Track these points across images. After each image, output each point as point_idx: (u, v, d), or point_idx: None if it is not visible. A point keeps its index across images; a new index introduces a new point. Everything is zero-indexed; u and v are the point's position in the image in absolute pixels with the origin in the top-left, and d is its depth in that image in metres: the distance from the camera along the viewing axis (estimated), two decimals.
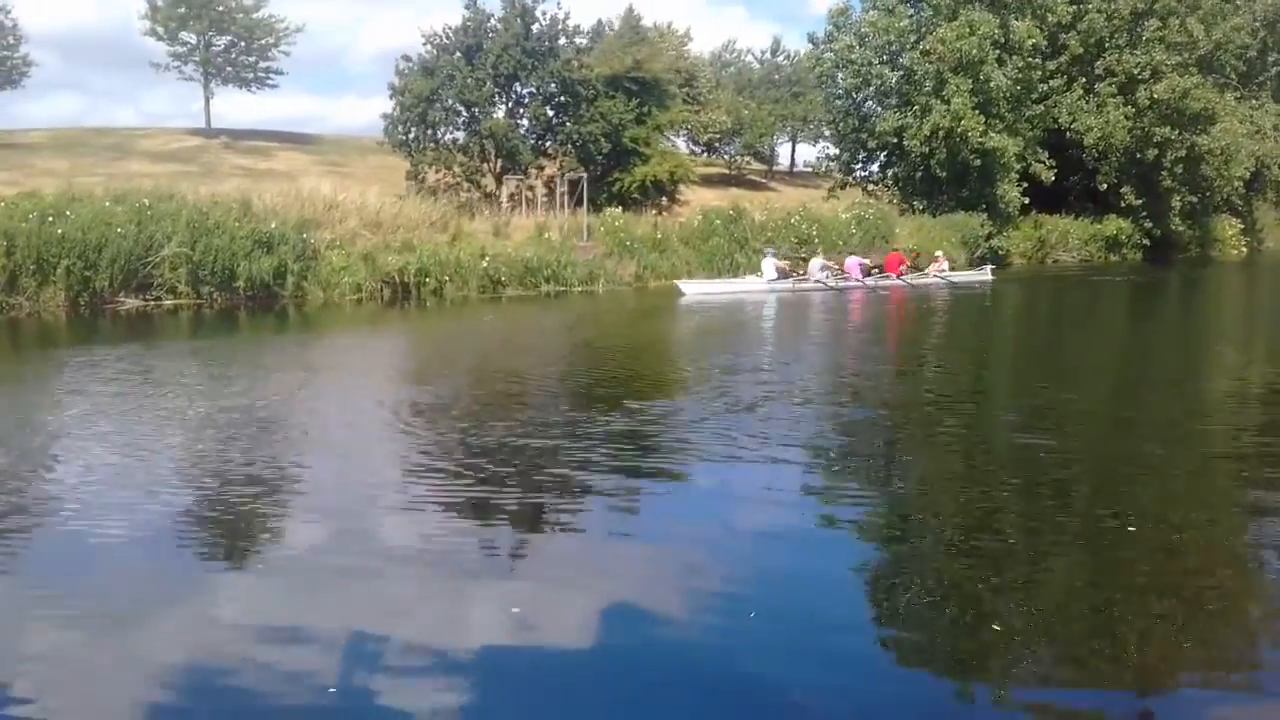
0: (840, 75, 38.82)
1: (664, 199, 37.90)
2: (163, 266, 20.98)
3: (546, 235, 27.52)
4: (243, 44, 45.12)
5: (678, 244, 29.39)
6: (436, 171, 33.79)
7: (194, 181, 28.98)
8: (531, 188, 33.47)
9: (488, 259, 25.21)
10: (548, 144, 35.28)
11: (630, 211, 33.05)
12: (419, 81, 33.25)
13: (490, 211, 31.16)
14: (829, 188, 41.95)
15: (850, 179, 41.69)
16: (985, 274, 29.83)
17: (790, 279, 26.24)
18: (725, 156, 60.23)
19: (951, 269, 30.06)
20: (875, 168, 41.55)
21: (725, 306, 22.87)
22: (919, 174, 38.30)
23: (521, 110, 34.79)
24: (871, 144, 39.05)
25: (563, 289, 25.85)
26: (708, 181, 52.08)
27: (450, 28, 34.12)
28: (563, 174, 34.29)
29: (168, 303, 21.03)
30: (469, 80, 32.87)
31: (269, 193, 24.90)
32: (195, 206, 22.01)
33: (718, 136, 57.30)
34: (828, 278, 26.56)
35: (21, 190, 23.40)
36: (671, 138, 52.09)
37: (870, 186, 41.14)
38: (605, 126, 35.34)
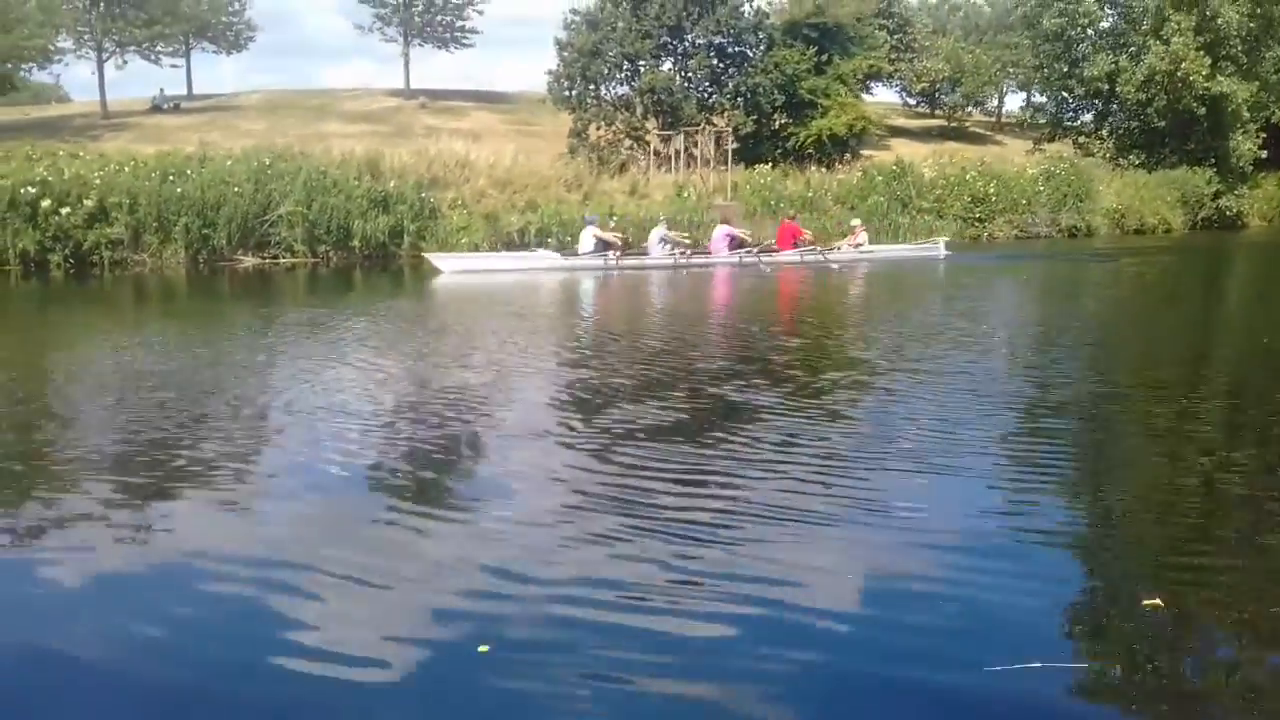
0: (1045, 15, 35.13)
1: (846, 154, 35.67)
2: (279, 225, 21.38)
3: (685, 194, 26.40)
4: (439, 3, 45.88)
5: (831, 203, 27.55)
6: (598, 128, 33.15)
7: (383, 141, 29.64)
8: (698, 143, 32.28)
9: (614, 219, 24.41)
10: (714, 98, 33.83)
11: (805, 167, 31.40)
12: (582, 35, 32.64)
13: (648, 168, 30.33)
14: (1034, 140, 38.37)
15: (1059, 131, 37.92)
16: (938, 249, 23.38)
17: (612, 254, 20.20)
18: (944, 108, 56.46)
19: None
20: (1089, 118, 37.57)
21: (498, 288, 17.60)
22: (1135, 125, 34.32)
23: (687, 63, 33.49)
24: (1079, 91, 35.25)
25: None
26: (925, 135, 49.15)
27: None
28: (732, 129, 32.94)
29: (284, 261, 21.41)
30: (630, 32, 31.93)
31: (403, 151, 25.01)
32: (314, 166, 22.26)
33: (935, 86, 53.73)
34: (671, 252, 20.89)
35: (166, 147, 24.51)
36: (875, 87, 49.43)
37: (1081, 139, 37.23)
38: (778, 77, 33.57)
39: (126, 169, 20.91)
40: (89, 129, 37.64)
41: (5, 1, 33.22)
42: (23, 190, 19.21)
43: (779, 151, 34.49)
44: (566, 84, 33.32)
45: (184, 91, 50.13)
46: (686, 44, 33.58)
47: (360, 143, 27.67)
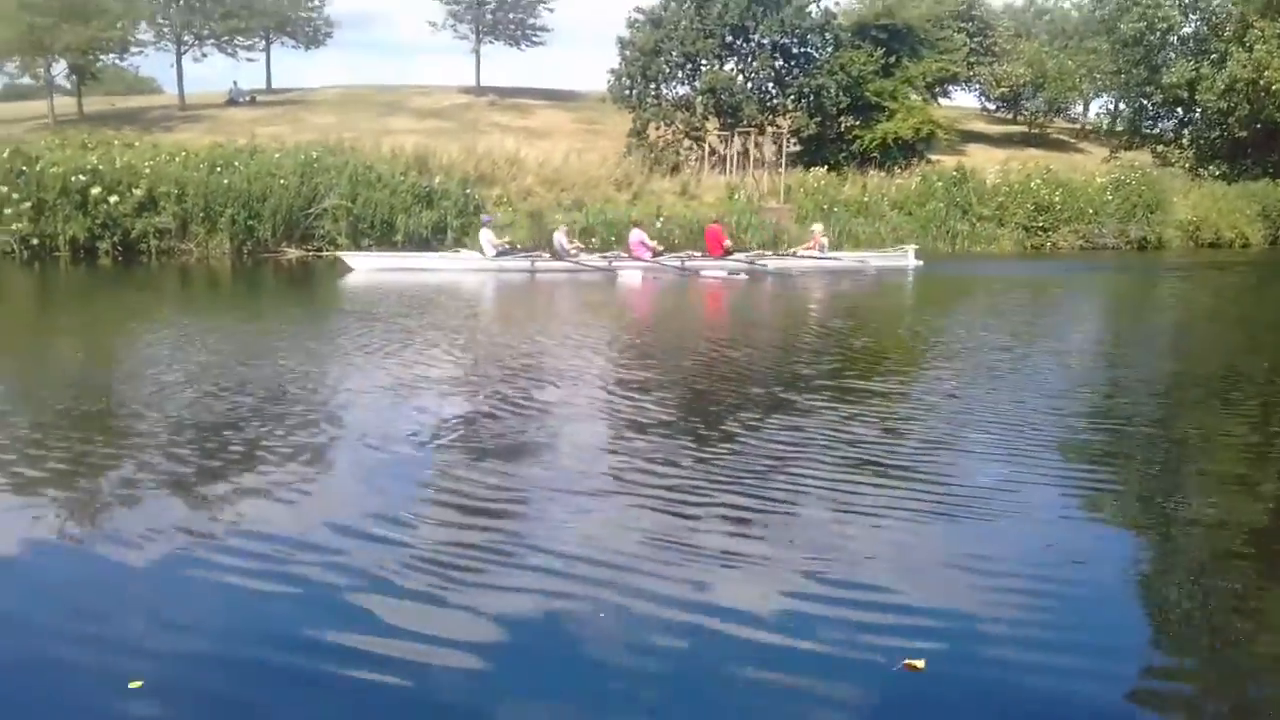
0: (1124, 20, 33.94)
1: (913, 159, 34.84)
2: (324, 218, 21.54)
3: (737, 196, 26.03)
4: (510, 1, 46.09)
5: (888, 208, 26.92)
6: (656, 128, 32.89)
7: (448, 138, 29.68)
8: (758, 144, 31.82)
9: (662, 219, 24.18)
10: (775, 98, 33.33)
11: (866, 171, 30.80)
12: (644, 34, 32.43)
13: (699, 168, 30.02)
14: (1111, 148, 37.12)
15: (1137, 139, 36.63)
16: (906, 258, 21.72)
17: (518, 256, 19.60)
18: (1026, 114, 55.00)
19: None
20: (1169, 126, 36.23)
21: (409, 289, 16.37)
22: (1216, 134, 32.99)
23: (750, 63, 33.06)
24: (1158, 98, 33.99)
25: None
26: (1005, 141, 48.03)
27: None
28: (793, 130, 32.46)
29: (327, 254, 21.55)
30: (693, 30, 31.62)
31: (453, 148, 25.08)
32: (360, 161, 22.40)
33: (1017, 91, 52.36)
34: (572, 255, 19.79)
35: (232, 139, 24.84)
36: (954, 91, 48.42)
37: (1160, 148, 35.91)
38: (844, 79, 32.94)
39: (177, 159, 21.23)
40: (164, 120, 38.58)
41: None
42: (74, 178, 19.65)
43: (843, 154, 33.84)
44: (627, 83, 33.11)
45: (264, 85, 51.18)
46: (750, 44, 33.11)
47: (424, 139, 27.87)
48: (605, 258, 20.05)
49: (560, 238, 19.97)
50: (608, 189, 25.36)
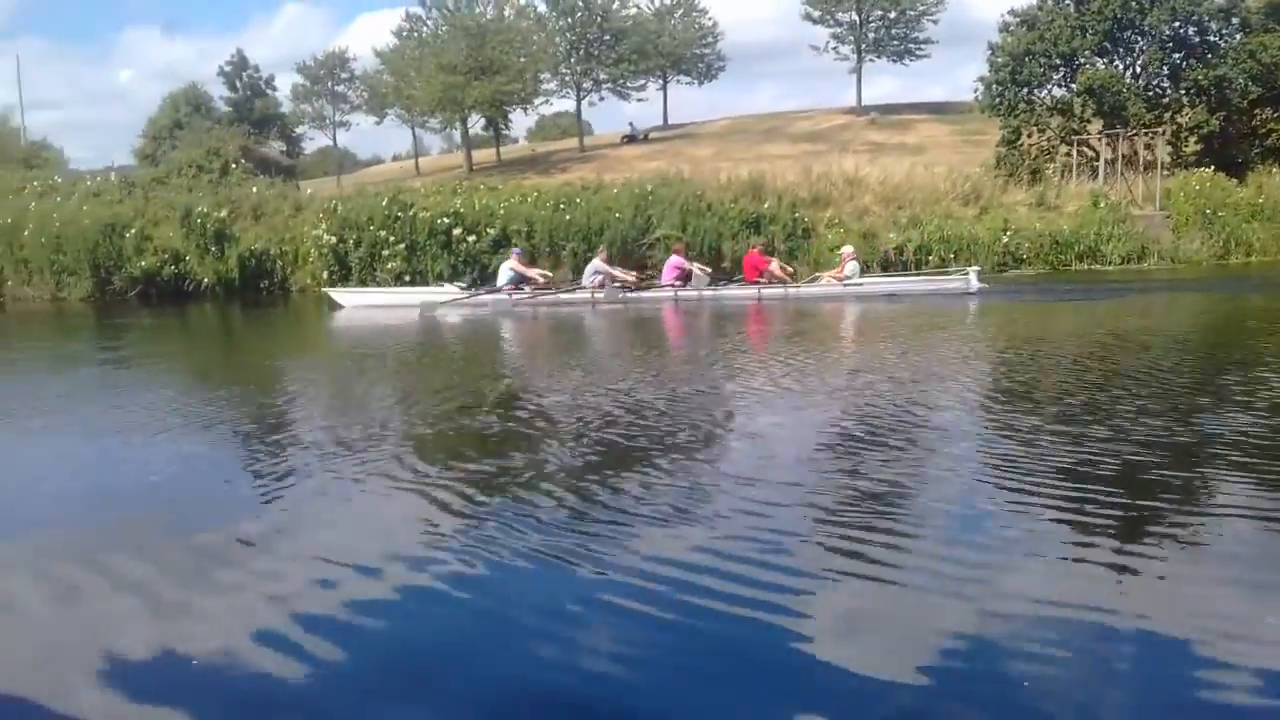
0: None
1: None
2: (656, 247, 22.47)
3: (1102, 205, 23.78)
4: (893, 16, 45.35)
5: None
6: (1029, 135, 30.86)
7: (817, 160, 29.82)
8: (1148, 146, 28.83)
9: (1009, 234, 22.72)
10: (1166, 95, 30.02)
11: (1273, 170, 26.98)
12: (1014, 37, 30.62)
13: (1063, 176, 27.73)
14: None
15: None
16: (966, 280, 17.64)
17: (527, 289, 17.84)
18: None
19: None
20: None
21: (399, 327, 15.32)
22: None
23: (1132, 58, 30.08)
24: None
25: (1099, 267, 22.42)
26: None
27: None
28: (1195, 127, 29.16)
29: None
30: (1068, 28, 29.38)
31: (787, 171, 25.15)
32: (691, 190, 23.10)
33: None
34: (601, 285, 17.96)
35: (620, 177, 26.39)
36: None
37: None
38: (1253, 67, 29.03)
39: (529, 200, 23.11)
40: (564, 162, 42.10)
41: (492, 53, 38.03)
42: (440, 220, 21.99)
43: (1256, 152, 29.82)
44: (997, 89, 31.39)
45: (660, 122, 54.27)
46: (1136, 37, 30.14)
47: (795, 162, 28.10)
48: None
49: (596, 265, 18.45)
50: (952, 204, 24.15)
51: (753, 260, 18.86)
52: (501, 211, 22.50)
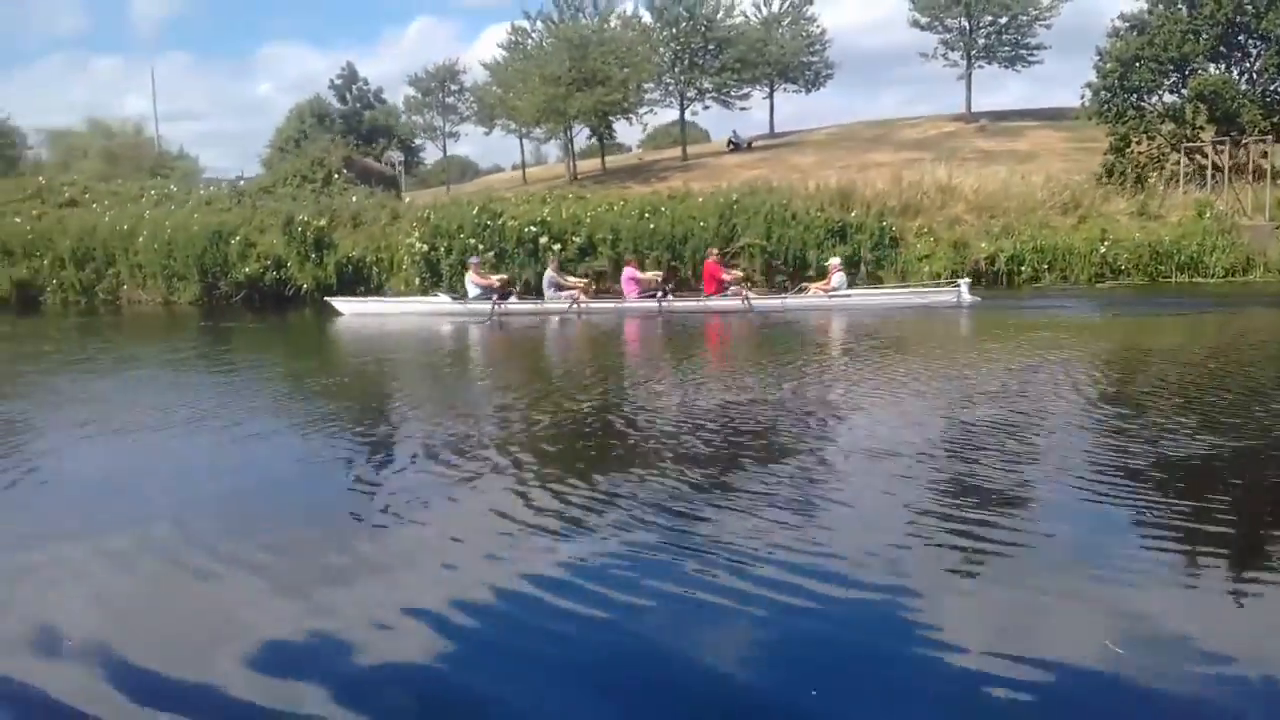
0: None
1: None
2: (740, 256, 22.49)
3: (1207, 215, 22.89)
4: (1003, 22, 44.32)
5: None
6: (1138, 142, 29.86)
7: (920, 168, 29.18)
8: (1265, 153, 27.60)
9: (1106, 244, 22.07)
10: None
11: None
12: (1123, 42, 29.69)
13: (1168, 184, 26.71)
14: None
15: None
16: (956, 293, 17.78)
17: (492, 299, 18.33)
18: None
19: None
20: None
21: (395, 333, 16.45)
22: None
23: (1248, 63, 28.84)
24: None
25: (1200, 279, 21.59)
26: None
27: None
28: None
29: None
30: (1179, 33, 28.35)
31: (877, 180, 24.86)
32: (777, 200, 23.04)
33: None
34: (557, 296, 18.78)
35: (715, 185, 26.44)
36: None
37: None
38: None
39: (615, 208, 23.37)
40: (665, 170, 42.34)
41: (594, 64, 38.56)
42: (527, 229, 22.41)
43: None
44: (1105, 95, 30.47)
45: (766, 130, 54.15)
46: (1254, 41, 28.91)
47: (899, 169, 27.60)
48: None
49: (550, 275, 19.30)
50: (1049, 213, 23.55)
51: (710, 269, 19.08)
52: (588, 220, 22.80)
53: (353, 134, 44.75)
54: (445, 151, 59.57)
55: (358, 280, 22.91)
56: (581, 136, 45.42)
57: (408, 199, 28.24)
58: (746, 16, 50.12)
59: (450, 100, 52.78)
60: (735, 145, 47.97)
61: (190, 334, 18.15)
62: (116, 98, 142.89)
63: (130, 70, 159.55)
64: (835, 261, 19.29)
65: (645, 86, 44.01)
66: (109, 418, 8.59)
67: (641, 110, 44.39)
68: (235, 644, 3.79)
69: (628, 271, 19.54)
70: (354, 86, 50.22)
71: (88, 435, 7.95)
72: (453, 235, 22.59)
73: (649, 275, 19.80)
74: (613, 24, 42.14)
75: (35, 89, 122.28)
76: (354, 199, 25.39)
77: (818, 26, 52.32)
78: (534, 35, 41.64)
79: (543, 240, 22.30)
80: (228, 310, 21.90)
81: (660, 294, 18.73)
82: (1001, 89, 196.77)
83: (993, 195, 24.07)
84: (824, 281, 19.06)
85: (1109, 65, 30.02)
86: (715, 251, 20.07)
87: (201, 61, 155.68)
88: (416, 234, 22.73)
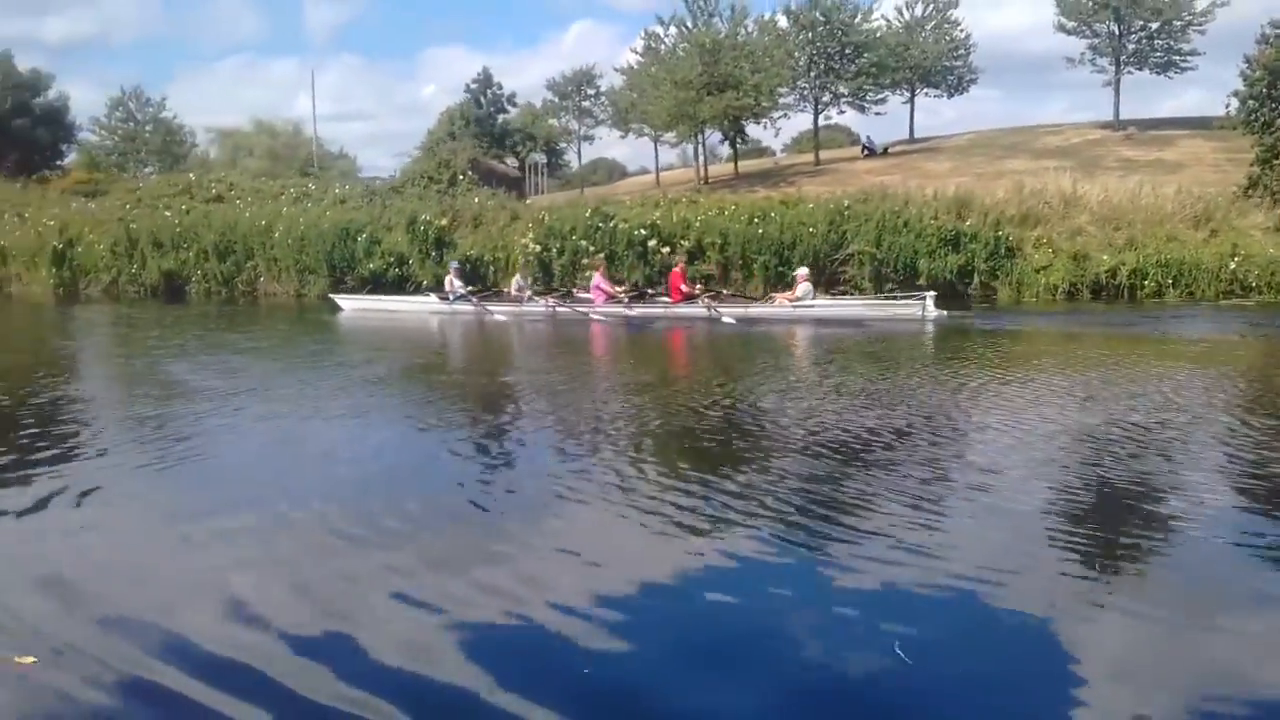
0: None
1: None
2: (850, 263, 22.36)
3: None
4: (1155, 27, 42.45)
5: None
6: None
7: (1045, 177, 28.37)
8: None
9: (1237, 259, 21.08)
10: None
11: None
12: (1273, 49, 28.11)
13: None
14: None
15: None
16: (920, 306, 17.83)
17: (472, 301, 20.02)
18: None
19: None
20: None
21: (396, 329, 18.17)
22: None
23: None
24: None
25: None
26: None
27: None
28: None
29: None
30: None
31: (998, 189, 24.31)
32: (889, 207, 22.78)
33: None
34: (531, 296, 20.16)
35: (854, 189, 26.18)
36: None
37: None
38: None
39: (725, 213, 23.52)
40: (796, 175, 42.08)
41: (726, 69, 38.64)
42: (637, 232, 22.77)
43: None
44: (1253, 105, 28.91)
45: (905, 135, 53.23)
46: None
47: (1031, 179, 26.85)
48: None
49: (517, 281, 20.76)
50: (1178, 226, 22.59)
51: (675, 279, 19.70)
52: (697, 224, 23.01)
53: (486, 136, 46.05)
54: (580, 156, 60.66)
55: (474, 279, 23.66)
56: (715, 141, 45.60)
57: (529, 201, 28.96)
58: (887, 21, 49.42)
59: (586, 104, 53.71)
60: (869, 150, 47.33)
61: (319, 326, 19.06)
62: (288, 99, 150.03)
63: (303, 73, 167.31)
64: (803, 271, 19.64)
65: (779, 91, 43.77)
66: (264, 403, 9.40)
67: (776, 115, 44.14)
68: (381, 615, 4.14)
69: (596, 279, 20.18)
70: (488, 91, 51.68)
71: (255, 417, 8.68)
72: (565, 236, 23.15)
73: (615, 288, 20.41)
74: (748, 28, 42.12)
75: (213, 90, 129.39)
76: (475, 200, 26.22)
77: (962, 30, 51.13)
78: (667, 40, 41.99)
79: (651, 243, 22.62)
80: None
81: (628, 300, 19.54)
82: (1170, 96, 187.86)
83: (1119, 206, 23.29)
84: (790, 291, 19.36)
85: (1257, 73, 28.45)
86: (682, 263, 20.77)
87: (371, 64, 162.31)
88: (531, 235, 23.35)
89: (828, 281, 22.69)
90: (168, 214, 27.11)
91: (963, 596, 4.28)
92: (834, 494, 5.95)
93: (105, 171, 46.36)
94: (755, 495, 5.86)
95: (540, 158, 54.77)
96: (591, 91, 53.08)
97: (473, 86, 51.24)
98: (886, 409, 8.79)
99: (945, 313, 17.75)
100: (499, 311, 19.59)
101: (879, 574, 4.55)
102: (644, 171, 71.17)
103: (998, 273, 21.91)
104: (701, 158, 45.68)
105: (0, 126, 43.69)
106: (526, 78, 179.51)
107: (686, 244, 22.62)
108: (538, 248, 23.06)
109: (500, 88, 52.08)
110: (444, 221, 24.30)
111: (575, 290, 21.19)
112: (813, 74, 45.49)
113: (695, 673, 3.66)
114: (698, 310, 18.77)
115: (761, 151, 68.02)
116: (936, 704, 3.44)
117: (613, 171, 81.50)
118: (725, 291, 20.63)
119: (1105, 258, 21.53)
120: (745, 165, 52.39)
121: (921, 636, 3.87)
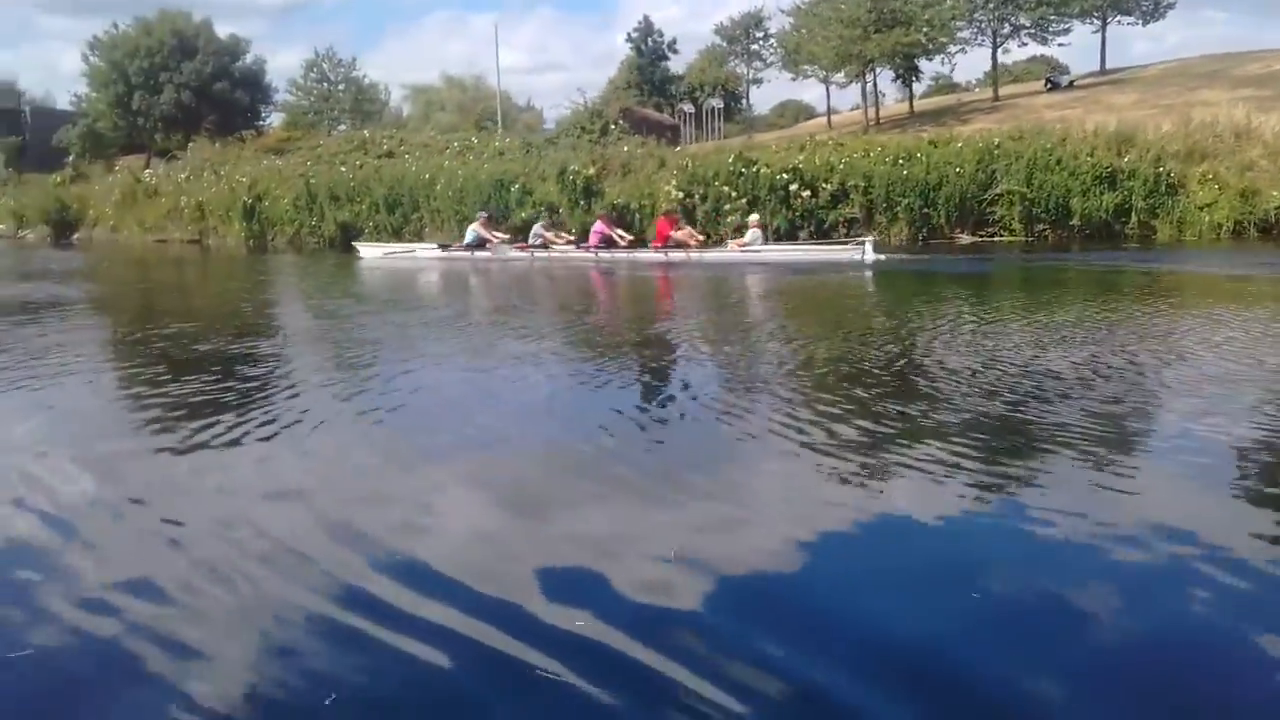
0: None
1: None
2: (999, 204, 21.74)
3: None
4: None
5: None
6: None
7: (1256, 107, 26.27)
8: None
9: None
10: None
11: None
12: None
13: None
14: None
15: None
16: (864, 250, 18.06)
17: (489, 248, 21.09)
18: None
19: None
20: None
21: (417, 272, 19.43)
22: None
23: None
24: None
25: None
26: None
27: None
28: None
29: (1000, 239, 21.72)
30: None
31: (1165, 122, 22.98)
32: (1041, 145, 21.94)
33: None
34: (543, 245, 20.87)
35: (1013, 127, 25.25)
36: None
37: None
38: None
39: (871, 155, 23.18)
40: (970, 112, 40.64)
41: (894, 4, 37.59)
42: (779, 176, 22.77)
43: None
44: None
45: (1098, 67, 50.31)
46: None
47: (1224, 110, 25.13)
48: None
49: (536, 229, 21.29)
50: None
51: (662, 226, 20.29)
52: (840, 167, 22.80)
53: (647, 84, 46.31)
54: (748, 100, 60.09)
55: (620, 226, 24.19)
56: (885, 79, 44.46)
57: (678, 149, 29.21)
58: None
59: (755, 48, 53.14)
60: (1053, 84, 45.14)
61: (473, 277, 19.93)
62: (488, 53, 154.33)
63: (504, 28, 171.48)
64: (754, 218, 20.11)
65: (956, 24, 42.24)
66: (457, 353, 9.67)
67: (953, 50, 42.67)
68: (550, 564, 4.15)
69: (598, 226, 20.91)
70: (649, 39, 51.80)
71: (444, 368, 8.82)
72: (708, 182, 23.40)
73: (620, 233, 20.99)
74: None
75: (417, 47, 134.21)
76: (625, 149, 26.74)
77: None
78: None
79: (793, 187, 22.58)
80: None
81: (595, 248, 20.30)
82: None
83: None
84: (740, 238, 19.76)
85: None
86: (674, 211, 21.47)
87: (567, 16, 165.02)
88: (674, 181, 23.70)
89: (975, 223, 22.21)
90: (343, 169, 28.85)
91: (1156, 545, 4.19)
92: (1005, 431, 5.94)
93: (303, 130, 49.26)
94: (928, 435, 5.81)
95: (689, 108, 54.44)
96: (759, 34, 52.54)
97: (634, 35, 51.65)
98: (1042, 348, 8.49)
99: (883, 257, 18.21)
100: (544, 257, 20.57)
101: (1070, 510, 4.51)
102: (834, 111, 69.98)
103: (1157, 211, 20.85)
104: (872, 97, 44.57)
105: (201, 90, 47.09)
106: (710, 23, 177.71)
107: (829, 187, 22.50)
108: (680, 194, 23.39)
109: (661, 35, 52.29)
110: (591, 170, 24.93)
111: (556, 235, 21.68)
112: (990, 5, 43.58)
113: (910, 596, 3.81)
114: (656, 256, 19.67)
115: (954, 87, 65.66)
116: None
117: (800, 113, 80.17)
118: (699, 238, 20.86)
119: (1276, 193, 20.16)
120: (926, 104, 50.90)
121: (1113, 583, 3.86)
